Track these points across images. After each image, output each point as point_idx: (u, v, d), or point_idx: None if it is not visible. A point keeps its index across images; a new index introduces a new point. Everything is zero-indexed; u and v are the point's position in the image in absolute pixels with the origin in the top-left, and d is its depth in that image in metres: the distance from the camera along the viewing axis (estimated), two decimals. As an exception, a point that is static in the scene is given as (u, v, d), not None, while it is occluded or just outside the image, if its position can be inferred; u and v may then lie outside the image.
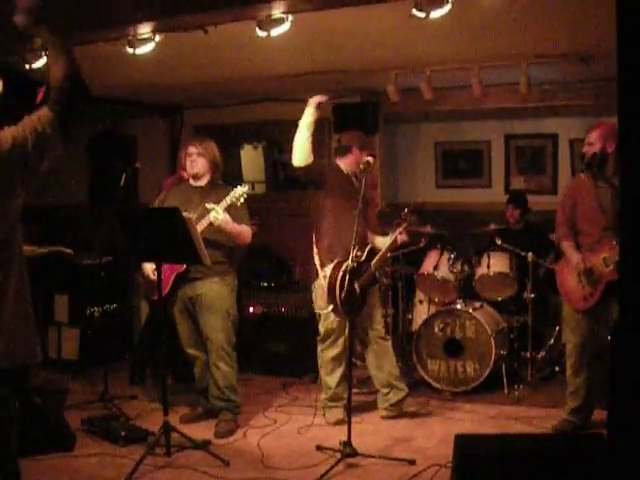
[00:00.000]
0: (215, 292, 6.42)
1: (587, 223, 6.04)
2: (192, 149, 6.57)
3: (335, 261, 6.26)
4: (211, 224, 6.13)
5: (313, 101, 6.48)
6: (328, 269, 6.28)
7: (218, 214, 6.10)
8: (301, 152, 6.53)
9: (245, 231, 6.40)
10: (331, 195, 6.56)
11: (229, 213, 6.20)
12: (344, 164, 6.75)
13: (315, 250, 6.54)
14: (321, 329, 6.72)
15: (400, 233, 6.66)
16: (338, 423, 6.54)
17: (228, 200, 6.19)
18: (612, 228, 5.75)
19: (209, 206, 6.16)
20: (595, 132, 5.97)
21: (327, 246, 6.50)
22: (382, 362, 6.75)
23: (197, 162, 6.54)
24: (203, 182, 6.60)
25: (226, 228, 6.20)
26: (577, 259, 6.02)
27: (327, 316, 6.53)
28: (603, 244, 5.86)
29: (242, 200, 6.23)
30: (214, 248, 6.24)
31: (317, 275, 6.51)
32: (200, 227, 6.05)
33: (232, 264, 6.57)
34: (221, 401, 6.53)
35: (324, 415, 6.74)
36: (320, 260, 6.49)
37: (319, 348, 6.77)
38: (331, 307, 6.16)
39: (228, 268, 6.52)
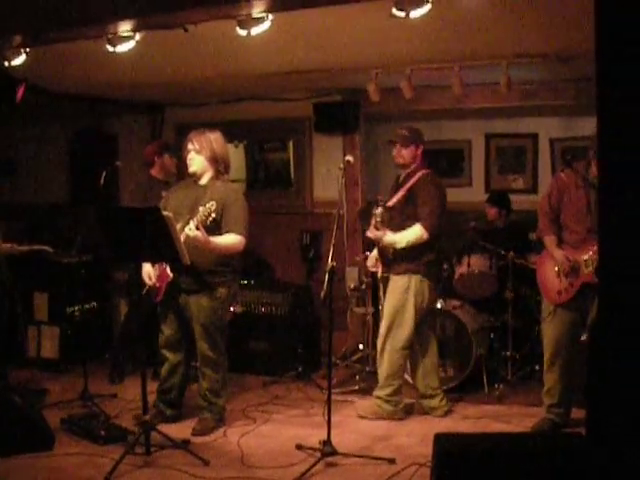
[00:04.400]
0: (202, 307, 6.28)
1: (573, 221, 6.05)
2: (189, 146, 6.34)
3: None
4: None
5: None
6: None
7: (190, 230, 5.81)
8: None
9: (224, 244, 6.12)
10: None
11: (217, 221, 6.04)
12: None
13: None
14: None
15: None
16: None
17: (197, 219, 5.84)
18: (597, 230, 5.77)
19: (202, 209, 5.89)
20: None
21: None
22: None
23: (194, 160, 6.33)
24: (205, 180, 6.37)
25: (199, 245, 5.94)
26: (561, 256, 6.05)
27: None
28: (586, 244, 5.88)
29: (212, 217, 5.86)
30: (202, 258, 6.07)
31: None
32: (183, 237, 5.79)
33: (225, 273, 6.31)
34: (203, 401, 6.54)
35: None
36: None
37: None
38: None
39: (219, 279, 6.29)
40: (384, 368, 6.72)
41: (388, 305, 6.71)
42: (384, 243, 6.42)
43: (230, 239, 6.15)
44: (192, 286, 6.27)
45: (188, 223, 5.88)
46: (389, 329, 6.68)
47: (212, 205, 5.85)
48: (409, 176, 6.64)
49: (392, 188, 6.81)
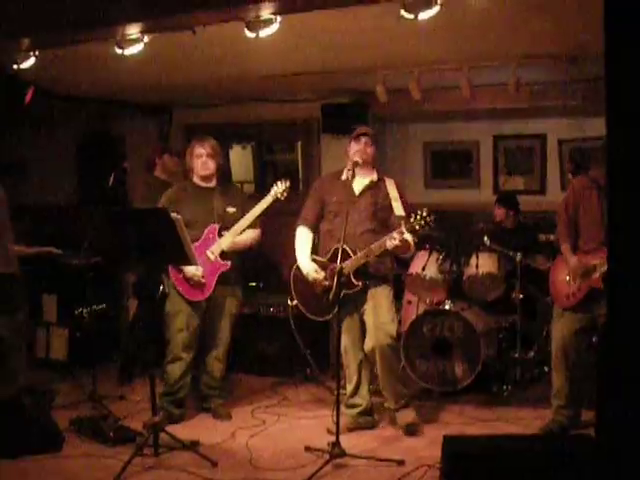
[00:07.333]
0: (233, 297, 6.78)
1: (588, 229, 6.05)
2: (201, 150, 6.65)
3: None
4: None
5: None
6: None
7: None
8: None
9: (249, 238, 6.83)
10: None
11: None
12: None
13: None
14: None
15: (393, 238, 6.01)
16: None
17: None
18: None
19: (230, 210, 6.68)
20: None
21: None
22: None
23: (208, 164, 6.66)
24: (213, 183, 6.75)
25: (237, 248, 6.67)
26: (575, 262, 6.05)
27: None
28: (598, 252, 5.87)
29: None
30: (232, 255, 6.61)
31: None
32: (229, 239, 6.57)
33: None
34: (215, 390, 6.89)
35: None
36: None
37: None
38: None
39: (240, 273, 6.86)
40: (398, 377, 6.55)
41: (388, 315, 6.35)
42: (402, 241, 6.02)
43: (257, 232, 6.92)
44: (233, 278, 6.74)
45: (206, 227, 6.55)
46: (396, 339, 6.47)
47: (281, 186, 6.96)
48: (380, 182, 6.41)
49: (341, 191, 6.39)
